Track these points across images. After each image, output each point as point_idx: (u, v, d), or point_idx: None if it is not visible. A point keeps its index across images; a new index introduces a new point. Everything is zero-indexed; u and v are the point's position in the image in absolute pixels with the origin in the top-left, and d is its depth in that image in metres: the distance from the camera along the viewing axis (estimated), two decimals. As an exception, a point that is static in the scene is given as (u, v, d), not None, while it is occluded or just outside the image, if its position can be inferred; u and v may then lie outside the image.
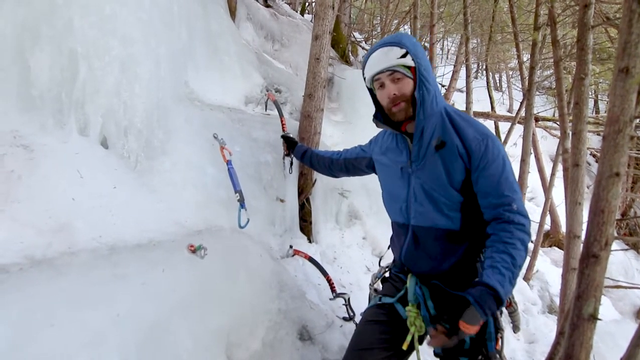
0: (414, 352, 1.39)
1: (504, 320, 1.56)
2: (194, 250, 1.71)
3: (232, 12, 3.88)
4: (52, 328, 1.14)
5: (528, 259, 4.73)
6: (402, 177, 1.45)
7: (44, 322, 1.14)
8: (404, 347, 1.35)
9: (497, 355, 1.34)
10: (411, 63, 1.34)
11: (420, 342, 1.41)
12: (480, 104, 7.64)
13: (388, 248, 1.66)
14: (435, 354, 1.41)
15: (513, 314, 1.48)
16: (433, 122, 1.36)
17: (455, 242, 1.36)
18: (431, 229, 1.37)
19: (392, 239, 1.61)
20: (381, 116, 1.49)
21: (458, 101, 8.59)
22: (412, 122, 1.41)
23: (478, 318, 1.15)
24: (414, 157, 1.40)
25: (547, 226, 5.40)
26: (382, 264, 1.72)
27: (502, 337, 1.34)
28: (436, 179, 1.33)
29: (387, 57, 1.35)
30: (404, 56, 1.34)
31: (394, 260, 1.63)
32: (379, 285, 1.65)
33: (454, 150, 1.30)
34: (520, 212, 1.25)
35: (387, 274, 1.65)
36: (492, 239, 1.26)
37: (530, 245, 5.40)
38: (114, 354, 1.19)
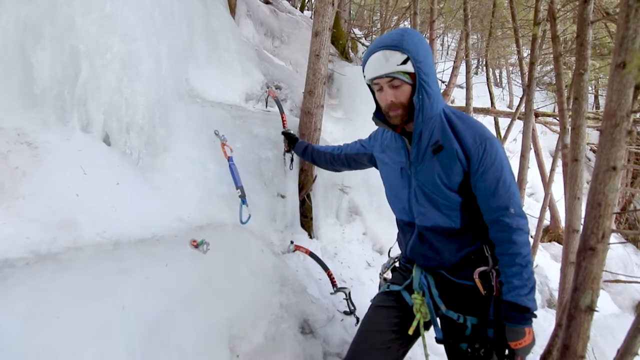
0: (420, 337, 1.45)
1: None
2: (196, 245, 1.73)
3: (232, 9, 3.88)
4: (58, 320, 1.16)
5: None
6: (403, 178, 1.47)
7: (50, 314, 1.17)
8: (410, 332, 1.41)
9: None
10: (411, 69, 1.29)
11: (426, 328, 1.45)
12: (480, 99, 7.63)
13: (396, 241, 1.69)
14: (437, 340, 1.45)
15: None
16: (431, 126, 1.37)
17: (459, 239, 1.40)
18: (434, 228, 1.41)
19: (398, 234, 1.64)
20: (381, 115, 1.47)
21: (458, 97, 8.59)
22: (409, 124, 1.42)
23: (519, 331, 1.27)
24: (412, 158, 1.41)
25: (546, 221, 5.41)
26: (391, 255, 1.75)
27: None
28: (434, 181, 1.36)
29: (388, 63, 1.29)
30: (404, 62, 1.28)
31: (402, 253, 1.66)
32: (388, 274, 1.69)
33: (452, 153, 1.32)
34: (517, 214, 1.30)
35: (396, 264, 1.68)
36: (498, 250, 1.33)
37: (530, 241, 5.42)
38: (119, 346, 1.22)
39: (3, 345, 1.07)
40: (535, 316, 1.30)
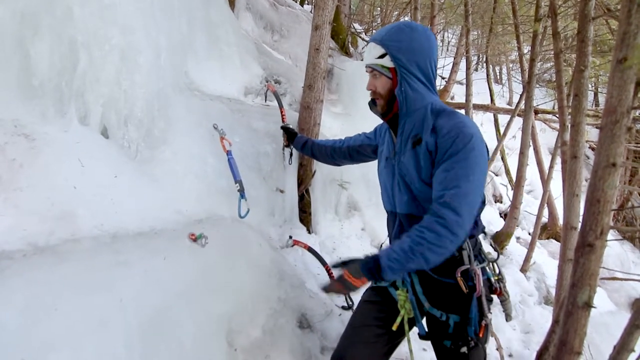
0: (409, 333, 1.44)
1: (499, 309, 1.59)
2: (195, 238, 1.73)
3: (232, 2, 3.85)
4: (56, 312, 1.16)
5: (525, 250, 4.77)
6: (387, 168, 1.51)
7: (48, 306, 1.16)
8: (394, 328, 1.41)
9: (478, 342, 1.34)
10: (389, 64, 1.36)
11: (411, 325, 1.45)
12: (480, 96, 7.61)
13: (387, 236, 1.70)
14: (420, 336, 1.46)
15: (504, 302, 1.50)
16: (414, 119, 1.38)
17: None
18: (413, 217, 1.41)
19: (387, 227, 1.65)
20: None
21: (458, 93, 8.57)
22: (394, 116, 1.45)
23: (358, 272, 1.26)
24: (397, 149, 1.45)
25: (544, 219, 5.43)
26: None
27: (486, 325, 1.36)
28: (411, 172, 1.37)
29: (370, 55, 1.41)
30: (382, 57, 1.37)
31: None
32: None
33: (426, 148, 1.32)
34: (449, 205, 1.19)
35: None
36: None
37: (528, 238, 5.43)
38: (118, 338, 1.22)
39: (1, 337, 1.07)
40: (377, 280, 1.24)
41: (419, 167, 1.35)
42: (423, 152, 1.33)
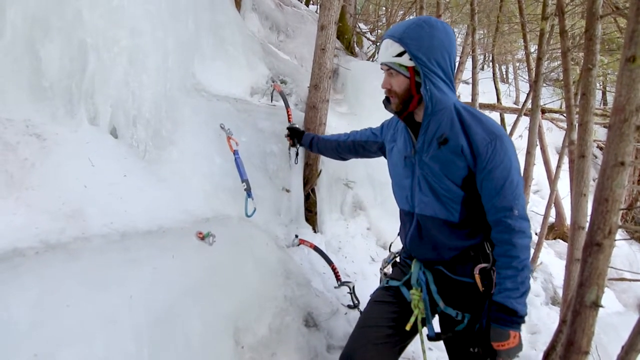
0: (418, 333, 1.45)
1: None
2: (202, 237, 1.74)
3: (238, 3, 3.87)
4: (67, 309, 1.18)
5: (532, 251, 4.74)
6: (406, 167, 1.48)
7: (60, 303, 1.19)
8: (407, 327, 1.41)
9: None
10: (408, 63, 1.32)
11: (424, 325, 1.45)
12: (486, 95, 7.55)
13: (398, 235, 1.69)
14: (429, 338, 1.45)
15: None
16: (440, 118, 1.36)
17: (457, 232, 1.39)
18: (433, 218, 1.41)
19: (400, 227, 1.64)
20: None
21: (464, 93, 8.51)
22: (418, 113, 1.43)
23: (504, 333, 1.27)
24: (418, 148, 1.42)
25: (551, 218, 5.38)
26: (392, 250, 1.76)
27: None
28: (437, 173, 1.36)
29: (386, 52, 1.36)
30: (400, 55, 1.32)
31: (402, 247, 1.67)
32: (389, 269, 1.69)
33: (457, 149, 1.31)
34: (521, 216, 1.29)
35: (397, 259, 1.69)
36: (497, 251, 1.33)
37: (535, 238, 5.40)
38: (128, 334, 1.24)
39: (14, 333, 1.09)
40: (523, 321, 1.29)
41: (446, 167, 1.34)
42: (452, 154, 1.32)
